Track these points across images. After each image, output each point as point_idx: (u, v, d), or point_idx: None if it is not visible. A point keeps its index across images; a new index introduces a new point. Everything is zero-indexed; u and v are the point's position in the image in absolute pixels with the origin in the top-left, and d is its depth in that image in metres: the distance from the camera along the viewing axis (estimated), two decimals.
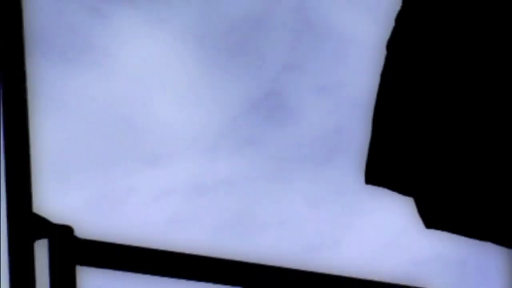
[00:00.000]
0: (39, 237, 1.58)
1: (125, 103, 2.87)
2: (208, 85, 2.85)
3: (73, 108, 2.80)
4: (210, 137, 2.83)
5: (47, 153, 1.87)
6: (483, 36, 1.81)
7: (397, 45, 1.71)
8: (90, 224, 1.60)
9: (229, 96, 2.88)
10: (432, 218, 1.71)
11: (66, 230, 1.59)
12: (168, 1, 2.89)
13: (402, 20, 1.74)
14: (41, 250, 1.58)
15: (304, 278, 1.76)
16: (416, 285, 1.84)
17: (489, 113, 1.78)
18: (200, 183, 2.88)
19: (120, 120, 2.83)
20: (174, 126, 2.85)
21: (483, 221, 1.77)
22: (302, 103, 3.01)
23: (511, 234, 1.80)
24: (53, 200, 1.63)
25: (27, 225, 1.54)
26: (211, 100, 2.82)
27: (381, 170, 1.70)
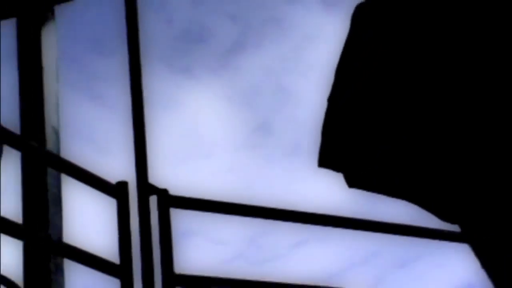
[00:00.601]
0: (152, 195, 3.10)
1: (192, 127, 4.71)
2: (233, 118, 4.70)
3: (167, 130, 4.65)
4: (236, 142, 4.68)
5: (154, 151, 3.42)
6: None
7: (333, 99, 2.56)
8: (176, 187, 3.13)
9: (245, 123, 4.81)
10: (353, 183, 2.63)
11: (164, 191, 3.11)
12: (210, 75, 4.69)
13: (335, 86, 2.56)
14: (153, 201, 3.11)
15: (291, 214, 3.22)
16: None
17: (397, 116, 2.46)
18: (231, 166, 4.77)
19: (191, 136, 4.63)
20: (218, 137, 4.72)
21: (390, 183, 2.58)
22: (279, 127, 4.94)
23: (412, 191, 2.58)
24: (159, 175, 3.15)
25: (146, 189, 3.06)
26: (236, 125, 4.67)
27: (327, 159, 2.61)
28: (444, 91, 2.32)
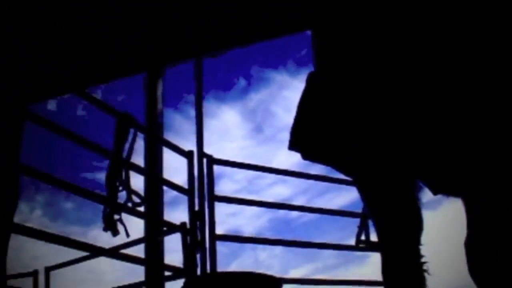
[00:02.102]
0: (204, 157, 6.44)
1: (224, 125, 8.13)
2: (243, 121, 8.07)
3: (213, 125, 8.06)
4: (251, 136, 8.11)
5: (206, 136, 6.91)
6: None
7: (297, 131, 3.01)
8: (217, 153, 6.50)
9: (249, 124, 8.16)
10: (307, 157, 3.09)
11: (210, 155, 6.44)
12: (232, 102, 8.16)
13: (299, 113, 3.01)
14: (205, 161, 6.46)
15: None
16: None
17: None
18: (243, 145, 8.06)
19: (225, 130, 8.10)
20: (237, 131, 8.09)
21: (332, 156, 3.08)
22: (273, 132, 8.17)
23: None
24: (208, 148, 6.52)
25: (201, 154, 6.40)
26: (245, 125, 8.04)
27: (293, 143, 3.04)
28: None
